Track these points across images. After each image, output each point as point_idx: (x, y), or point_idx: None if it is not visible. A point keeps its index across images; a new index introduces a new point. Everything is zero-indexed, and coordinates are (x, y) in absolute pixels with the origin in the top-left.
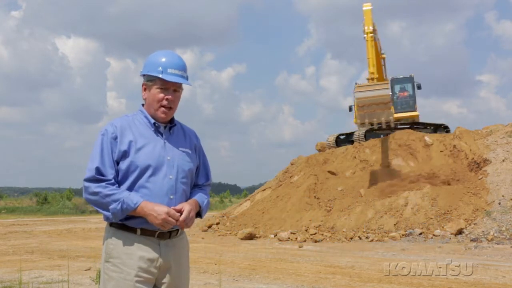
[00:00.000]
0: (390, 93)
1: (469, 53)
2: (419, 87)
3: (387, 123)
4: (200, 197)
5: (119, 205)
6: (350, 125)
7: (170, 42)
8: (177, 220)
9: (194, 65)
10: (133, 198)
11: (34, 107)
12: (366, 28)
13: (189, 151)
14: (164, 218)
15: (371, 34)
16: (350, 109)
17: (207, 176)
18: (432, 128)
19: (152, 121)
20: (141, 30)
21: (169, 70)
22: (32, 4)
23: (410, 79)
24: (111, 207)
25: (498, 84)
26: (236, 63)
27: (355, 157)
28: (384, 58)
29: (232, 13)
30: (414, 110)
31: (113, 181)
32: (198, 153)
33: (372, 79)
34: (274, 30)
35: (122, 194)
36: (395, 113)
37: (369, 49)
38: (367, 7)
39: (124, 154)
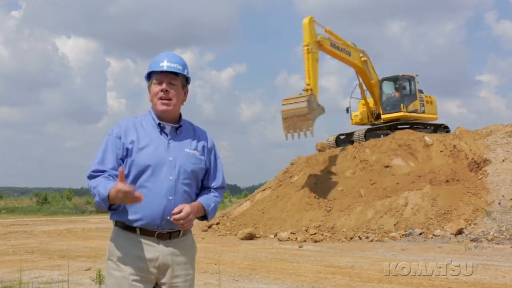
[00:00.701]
0: (307, 106)
1: (469, 53)
2: (403, 88)
3: (307, 133)
4: (206, 200)
5: (98, 196)
6: (350, 125)
7: (170, 42)
8: (133, 195)
9: (194, 65)
10: (106, 186)
11: (34, 107)
12: (303, 41)
13: (196, 153)
14: (122, 196)
15: (307, 47)
16: (347, 110)
17: (219, 179)
18: (432, 128)
19: (157, 121)
20: (141, 30)
21: (161, 64)
22: (32, 4)
23: (395, 79)
24: (95, 199)
25: (498, 84)
26: (236, 63)
27: (355, 157)
28: (365, 61)
29: (232, 13)
30: (399, 111)
31: (107, 174)
32: (208, 154)
33: (307, 90)
34: (274, 30)
35: (100, 185)
36: (383, 113)
37: (305, 62)
38: (305, 20)
39: (127, 153)
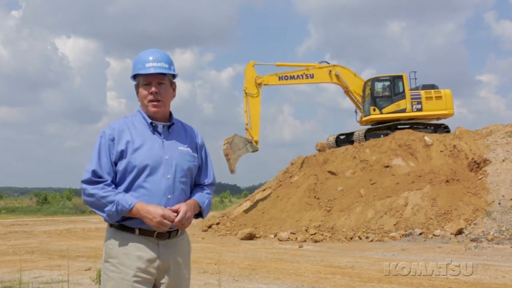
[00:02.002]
0: (226, 148)
1: (469, 53)
2: (375, 90)
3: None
4: (200, 197)
5: (114, 207)
6: (350, 125)
7: (170, 42)
8: (172, 221)
9: (194, 65)
10: (128, 200)
11: (34, 107)
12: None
13: (189, 150)
14: (159, 221)
15: (244, 91)
16: (356, 112)
17: (210, 176)
18: (432, 128)
19: (149, 120)
20: (141, 30)
21: (147, 65)
22: (32, 4)
23: (368, 83)
24: (106, 209)
25: (498, 84)
26: (236, 63)
27: (355, 157)
28: (336, 75)
29: (232, 13)
30: (368, 115)
31: (109, 182)
32: (200, 151)
33: (246, 129)
34: (274, 30)
35: (117, 196)
36: (364, 116)
37: (245, 103)
38: (245, 67)
39: (122, 155)
